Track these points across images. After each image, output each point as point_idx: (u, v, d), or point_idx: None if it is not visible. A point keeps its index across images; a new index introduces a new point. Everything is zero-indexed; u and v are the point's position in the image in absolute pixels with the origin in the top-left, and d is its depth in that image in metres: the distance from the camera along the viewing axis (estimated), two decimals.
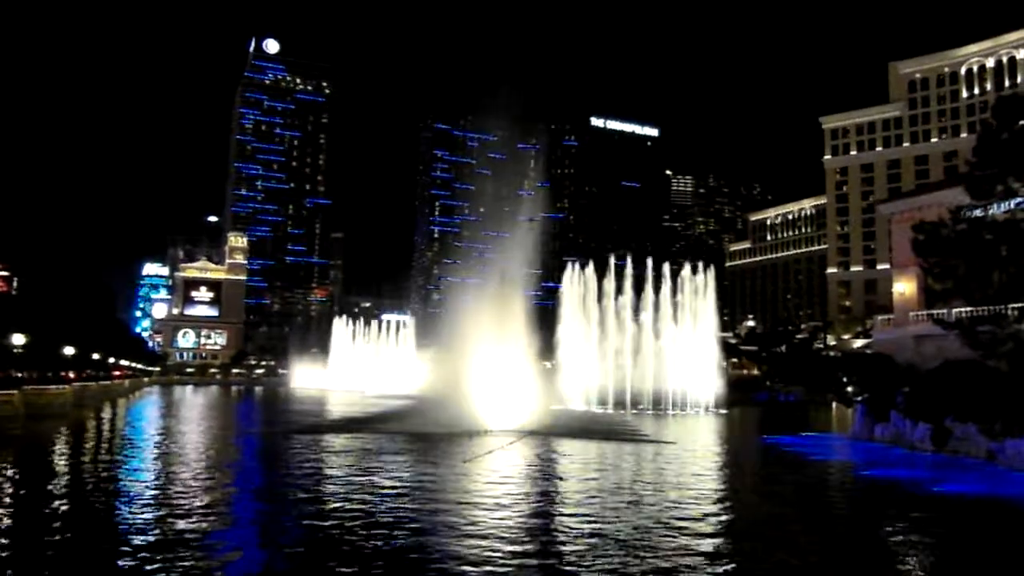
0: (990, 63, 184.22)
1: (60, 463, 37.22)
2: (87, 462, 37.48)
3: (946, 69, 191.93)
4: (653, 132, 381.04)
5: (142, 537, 19.66)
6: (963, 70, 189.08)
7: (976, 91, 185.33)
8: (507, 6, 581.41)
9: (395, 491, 27.26)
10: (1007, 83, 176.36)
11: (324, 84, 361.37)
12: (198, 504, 24.49)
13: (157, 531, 20.42)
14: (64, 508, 24.60)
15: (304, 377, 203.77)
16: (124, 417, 71.96)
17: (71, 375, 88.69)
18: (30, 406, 63.53)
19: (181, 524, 21.20)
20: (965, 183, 41.69)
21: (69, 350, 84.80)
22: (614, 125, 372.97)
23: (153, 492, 27.29)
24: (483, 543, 18.97)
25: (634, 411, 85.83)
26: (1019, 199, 38.49)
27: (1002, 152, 39.07)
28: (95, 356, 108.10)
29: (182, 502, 24.62)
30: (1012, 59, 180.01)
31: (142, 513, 23.11)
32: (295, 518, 22.62)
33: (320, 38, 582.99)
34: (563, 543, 19.41)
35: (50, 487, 28.58)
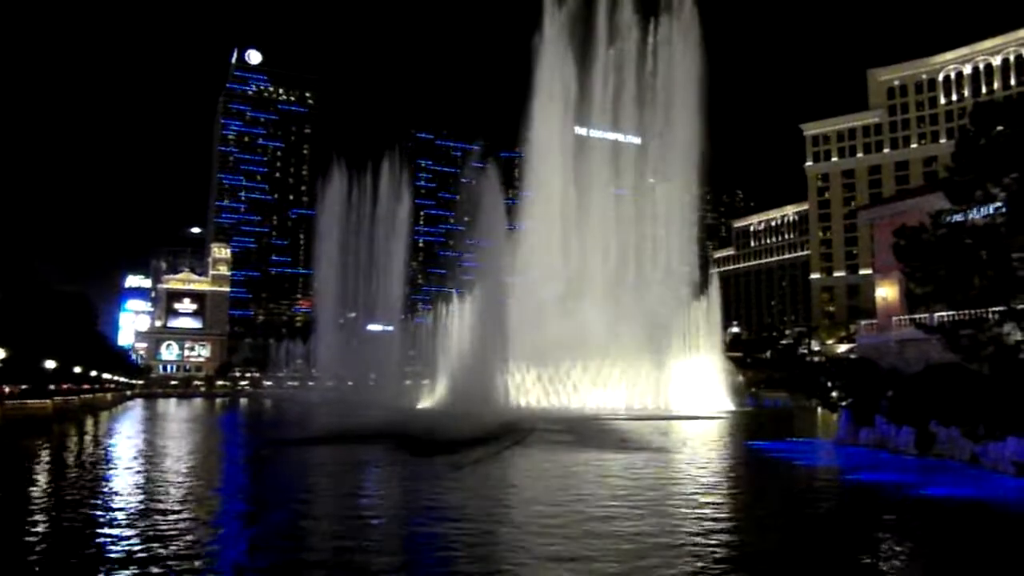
0: (967, 70, 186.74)
1: (34, 480, 36.70)
2: (62, 479, 36.95)
3: (924, 76, 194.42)
4: (636, 140, 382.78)
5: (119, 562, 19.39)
6: (941, 77, 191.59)
7: (954, 97, 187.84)
8: (490, 17, 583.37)
9: (379, 506, 27.05)
10: (984, 89, 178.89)
11: (307, 94, 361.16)
12: (180, 522, 24.21)
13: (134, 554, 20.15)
14: (29, 531, 24.16)
15: (289, 388, 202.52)
16: (106, 431, 71.11)
17: (52, 388, 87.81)
18: (10, 420, 62.80)
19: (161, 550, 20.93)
20: (945, 188, 42.05)
21: (50, 364, 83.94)
22: (597, 134, 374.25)
23: (132, 512, 26.91)
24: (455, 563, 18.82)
25: (621, 416, 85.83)
26: (998, 204, 38.86)
27: (980, 157, 39.48)
28: (77, 369, 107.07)
29: (164, 524, 24.32)
30: (988, 66, 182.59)
31: (121, 533, 22.80)
32: (269, 538, 22.35)
33: (302, 49, 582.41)
34: (533, 561, 19.20)
35: (20, 507, 28.15)
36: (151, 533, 21.59)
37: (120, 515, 24.86)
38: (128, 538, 21.16)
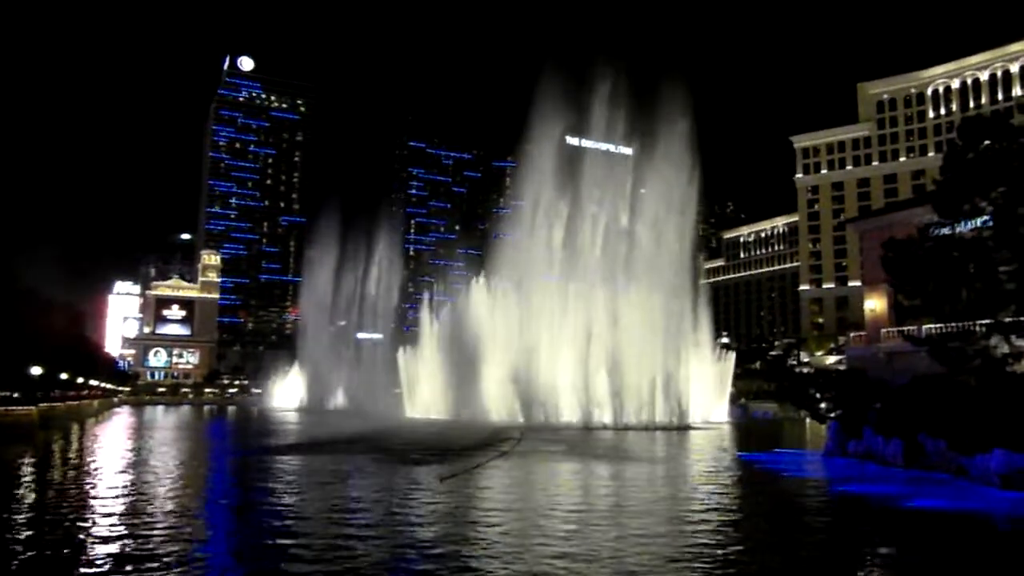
0: (955, 84, 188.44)
1: (16, 490, 36.33)
2: (46, 489, 36.60)
3: (913, 90, 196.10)
4: (628, 151, 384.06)
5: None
6: (929, 91, 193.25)
7: (942, 111, 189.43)
8: (483, 24, 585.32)
9: (359, 518, 26.85)
10: (972, 104, 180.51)
11: (299, 101, 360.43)
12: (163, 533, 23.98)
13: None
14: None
15: (278, 396, 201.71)
16: (91, 438, 70.53)
17: (39, 395, 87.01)
18: None
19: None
20: (933, 202, 42.34)
21: (36, 370, 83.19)
22: (589, 144, 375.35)
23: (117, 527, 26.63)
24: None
25: (611, 426, 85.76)
26: (985, 217, 39.16)
27: (968, 171, 39.82)
28: (63, 376, 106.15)
29: (148, 534, 24.09)
30: (976, 81, 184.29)
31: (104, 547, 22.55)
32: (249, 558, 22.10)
33: (295, 56, 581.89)
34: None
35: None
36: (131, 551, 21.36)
37: (100, 529, 24.61)
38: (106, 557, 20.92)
